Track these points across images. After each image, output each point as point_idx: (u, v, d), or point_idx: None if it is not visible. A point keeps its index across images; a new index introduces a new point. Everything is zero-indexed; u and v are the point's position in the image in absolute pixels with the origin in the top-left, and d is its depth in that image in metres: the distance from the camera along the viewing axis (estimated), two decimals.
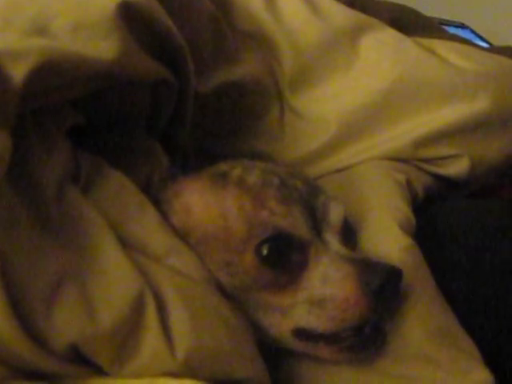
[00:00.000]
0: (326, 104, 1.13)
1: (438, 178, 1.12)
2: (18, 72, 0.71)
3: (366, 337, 0.83)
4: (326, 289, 0.83)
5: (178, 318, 0.74)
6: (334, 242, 0.87)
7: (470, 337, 0.89)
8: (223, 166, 0.92)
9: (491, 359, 0.87)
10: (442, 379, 0.85)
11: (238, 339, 0.79)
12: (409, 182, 1.05)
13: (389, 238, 0.94)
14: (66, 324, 0.68)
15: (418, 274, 0.91)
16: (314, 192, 0.91)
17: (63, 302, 0.69)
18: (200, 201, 0.87)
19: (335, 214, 0.90)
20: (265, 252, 0.83)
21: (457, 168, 1.10)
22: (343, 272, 0.83)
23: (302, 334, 0.85)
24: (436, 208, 1.05)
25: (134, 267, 0.74)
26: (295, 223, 0.85)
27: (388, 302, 0.83)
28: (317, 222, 0.88)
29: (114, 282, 0.72)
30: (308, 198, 0.89)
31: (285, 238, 0.84)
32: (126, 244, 0.77)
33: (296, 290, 0.84)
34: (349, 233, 0.93)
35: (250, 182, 0.87)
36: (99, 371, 0.72)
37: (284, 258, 0.84)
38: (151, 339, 0.72)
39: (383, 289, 0.81)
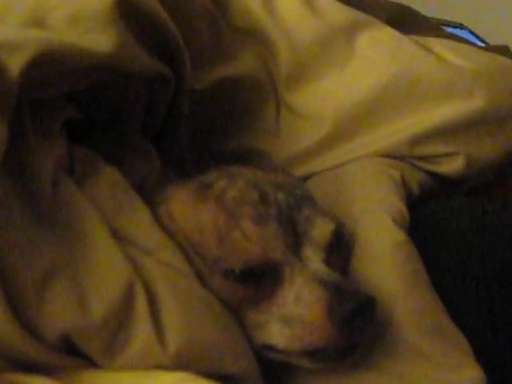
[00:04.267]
0: (322, 101, 1.13)
1: (433, 175, 1.12)
2: (16, 63, 0.72)
3: (340, 351, 0.82)
4: (297, 309, 0.82)
5: (169, 312, 0.74)
6: (314, 258, 0.86)
7: (462, 333, 0.89)
8: (211, 175, 0.91)
9: (483, 356, 0.87)
10: (435, 375, 0.85)
11: (229, 333, 0.79)
12: (404, 179, 1.04)
13: (383, 233, 0.94)
14: (58, 314, 0.69)
15: (411, 268, 0.91)
16: (298, 205, 0.89)
17: (55, 293, 0.69)
18: (182, 211, 0.87)
19: (321, 231, 0.88)
20: (236, 275, 0.83)
21: (452, 166, 1.10)
22: (314, 295, 0.82)
23: (270, 349, 0.84)
24: (431, 205, 1.05)
25: (125, 259, 0.75)
26: (267, 246, 0.84)
27: (358, 329, 0.81)
28: (297, 236, 0.87)
29: (105, 273, 0.73)
30: (289, 211, 0.87)
31: (255, 265, 0.83)
32: (117, 237, 0.77)
33: (270, 306, 0.84)
34: (339, 246, 0.92)
35: (229, 197, 0.86)
36: (92, 364, 0.73)
37: (254, 281, 0.84)
38: (142, 332, 0.72)
39: (353, 316, 0.79)
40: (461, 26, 2.31)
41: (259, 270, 0.84)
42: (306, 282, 0.83)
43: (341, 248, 0.92)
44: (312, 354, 0.83)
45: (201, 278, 0.82)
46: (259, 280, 0.84)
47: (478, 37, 2.27)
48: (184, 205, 0.88)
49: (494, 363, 0.90)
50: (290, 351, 0.83)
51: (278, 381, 0.86)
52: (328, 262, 0.88)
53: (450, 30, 1.84)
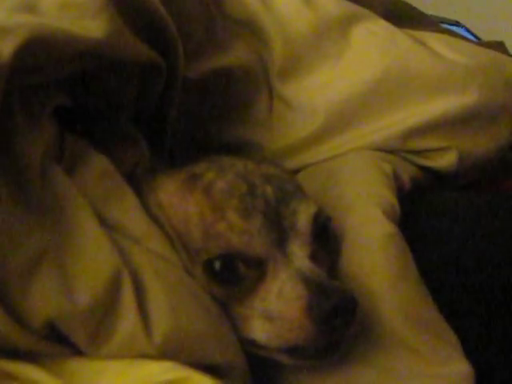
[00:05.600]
0: (315, 93, 1.13)
1: (426, 170, 1.12)
2: (6, 47, 0.71)
3: (320, 349, 0.82)
4: (278, 305, 0.82)
5: (156, 301, 0.73)
6: (299, 254, 0.86)
7: (450, 327, 0.89)
8: (200, 166, 0.91)
9: (471, 350, 0.87)
10: (422, 369, 0.84)
11: (216, 324, 0.79)
12: (395, 173, 1.04)
13: (373, 224, 0.94)
14: (44, 301, 0.68)
15: (400, 261, 0.91)
16: (286, 199, 0.89)
17: (41, 279, 0.69)
18: (170, 201, 0.87)
19: (303, 217, 0.88)
20: (215, 268, 0.83)
21: (445, 161, 1.10)
22: (296, 292, 0.82)
23: (252, 343, 0.84)
24: (422, 199, 1.05)
25: (113, 247, 0.74)
26: (251, 239, 0.83)
27: (338, 328, 0.81)
28: (283, 231, 0.86)
29: (92, 260, 0.72)
30: (276, 205, 0.87)
31: (237, 256, 0.83)
32: (105, 225, 0.77)
33: (253, 300, 0.84)
34: (325, 237, 0.91)
35: (216, 189, 0.86)
36: (77, 352, 0.72)
37: (235, 276, 0.83)
38: (127, 321, 0.72)
39: (332, 315, 0.79)
40: (457, 24, 2.31)
41: (239, 263, 0.83)
42: (288, 279, 0.83)
43: (327, 242, 0.92)
44: (292, 350, 0.83)
45: (186, 270, 0.82)
46: (239, 278, 0.83)
47: (474, 34, 2.26)
48: (172, 195, 0.88)
49: (483, 357, 0.90)
50: (270, 347, 0.83)
51: (266, 374, 0.86)
52: (314, 257, 0.87)
53: (446, 27, 1.84)
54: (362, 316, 0.84)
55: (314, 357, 0.83)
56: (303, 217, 0.88)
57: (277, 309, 0.82)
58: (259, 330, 0.83)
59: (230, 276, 0.83)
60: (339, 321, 0.80)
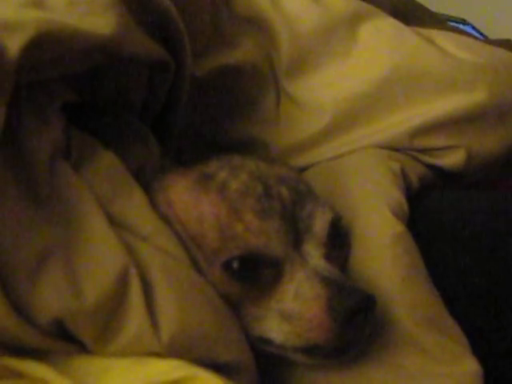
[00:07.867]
0: (322, 91, 1.13)
1: (433, 168, 1.11)
2: (14, 44, 0.71)
3: (338, 348, 0.82)
4: (296, 305, 0.82)
5: (164, 298, 0.73)
6: (315, 254, 0.86)
7: (459, 326, 0.88)
8: (212, 165, 0.90)
9: (479, 348, 0.87)
10: (432, 369, 0.84)
11: (224, 322, 0.78)
12: (403, 171, 1.04)
13: (381, 224, 0.94)
14: (51, 298, 0.68)
15: (409, 260, 0.90)
16: (301, 201, 0.89)
17: (48, 276, 0.69)
18: (182, 201, 0.87)
19: (320, 222, 0.88)
20: (234, 268, 0.82)
21: (453, 159, 1.10)
22: (314, 292, 0.82)
23: (266, 342, 0.84)
24: (430, 198, 1.05)
25: (121, 244, 0.74)
26: (269, 240, 0.83)
27: (358, 326, 0.81)
28: (299, 233, 0.86)
29: (100, 257, 0.72)
30: (292, 207, 0.87)
31: (256, 256, 0.83)
32: (113, 222, 0.77)
33: (269, 301, 0.83)
34: (338, 239, 0.92)
35: (232, 189, 0.85)
36: (84, 349, 0.72)
37: (254, 275, 0.83)
38: (135, 319, 0.71)
39: (352, 314, 0.79)
40: (464, 22, 2.31)
41: (258, 263, 0.83)
42: (305, 279, 0.83)
43: (340, 242, 0.92)
44: (310, 350, 0.82)
45: (198, 270, 0.81)
46: (257, 277, 0.83)
47: (480, 32, 2.26)
48: (184, 194, 0.87)
49: (491, 355, 0.90)
50: (287, 346, 0.83)
51: (274, 373, 0.86)
52: (328, 257, 0.88)
53: (453, 25, 1.84)
54: (379, 314, 0.84)
55: (332, 356, 0.83)
56: (320, 222, 0.88)
57: (295, 309, 0.82)
58: (276, 330, 0.83)
59: (248, 275, 0.83)
60: (359, 319, 0.80)
